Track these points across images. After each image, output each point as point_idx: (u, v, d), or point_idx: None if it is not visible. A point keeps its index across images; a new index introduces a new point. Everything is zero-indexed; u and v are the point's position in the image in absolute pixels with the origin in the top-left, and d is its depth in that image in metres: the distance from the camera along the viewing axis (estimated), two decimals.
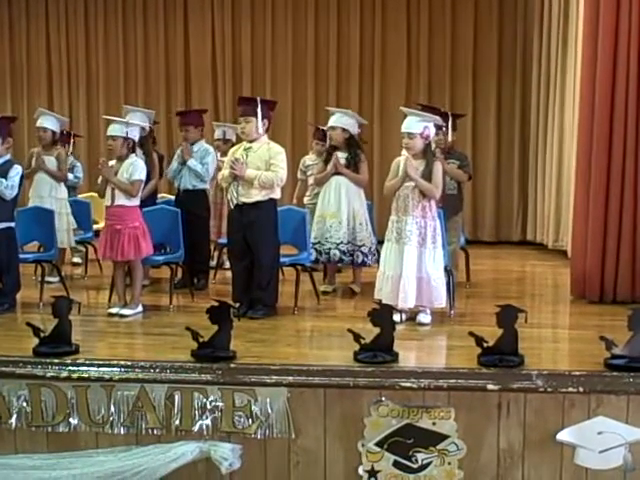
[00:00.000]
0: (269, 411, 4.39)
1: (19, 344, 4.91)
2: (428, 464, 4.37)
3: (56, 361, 4.59)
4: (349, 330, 4.57)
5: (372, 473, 4.41)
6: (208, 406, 4.44)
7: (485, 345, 4.46)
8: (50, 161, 7.18)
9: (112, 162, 5.86)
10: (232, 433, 4.44)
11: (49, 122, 7.26)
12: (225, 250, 6.89)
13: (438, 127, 5.79)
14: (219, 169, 6.60)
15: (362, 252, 6.49)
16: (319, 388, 4.38)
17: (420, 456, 4.37)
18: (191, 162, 6.80)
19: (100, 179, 5.91)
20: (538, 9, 9.32)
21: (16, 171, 5.96)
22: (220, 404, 4.43)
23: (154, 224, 6.12)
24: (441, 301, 5.51)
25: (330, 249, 6.46)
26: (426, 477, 4.38)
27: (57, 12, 10.51)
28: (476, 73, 9.86)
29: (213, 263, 7.32)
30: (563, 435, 4.27)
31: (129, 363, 4.57)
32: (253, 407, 4.40)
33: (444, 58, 9.87)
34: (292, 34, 10.15)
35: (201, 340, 4.58)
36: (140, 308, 5.90)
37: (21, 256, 6.23)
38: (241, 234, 5.77)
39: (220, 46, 10.29)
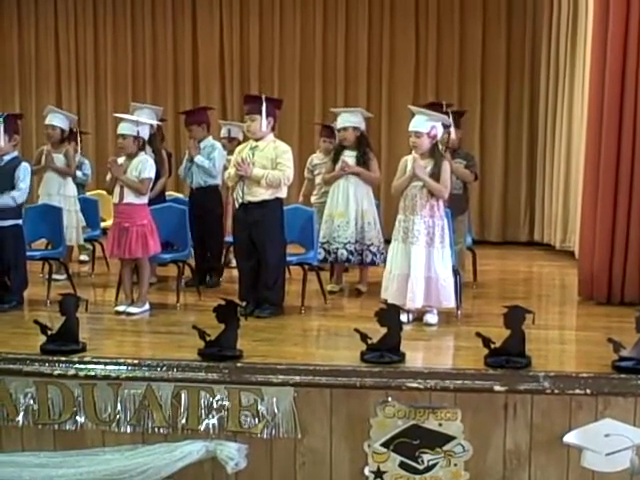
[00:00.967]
0: (275, 411, 4.39)
1: (26, 342, 4.92)
2: (434, 465, 4.36)
3: (63, 359, 4.60)
4: (356, 330, 4.57)
5: (378, 474, 4.40)
6: (214, 405, 4.44)
7: (492, 346, 4.45)
8: (58, 158, 7.20)
9: (121, 159, 5.87)
10: (238, 432, 4.44)
11: (58, 120, 7.29)
12: (231, 249, 6.89)
13: (445, 126, 5.77)
14: (225, 168, 6.62)
15: (371, 251, 6.49)
16: (325, 388, 4.38)
17: (426, 457, 4.36)
18: (198, 158, 6.81)
19: (109, 177, 5.91)
20: (547, 11, 9.30)
21: (26, 172, 5.95)
22: (226, 403, 4.43)
23: (162, 222, 6.13)
24: (450, 301, 5.51)
25: (338, 249, 6.46)
26: (432, 478, 4.38)
27: (66, 10, 10.54)
28: (484, 75, 9.84)
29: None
30: (570, 437, 4.26)
31: (136, 361, 4.57)
32: (259, 406, 4.40)
33: (452, 60, 9.86)
34: (300, 33, 10.15)
35: (208, 339, 4.58)
36: (147, 306, 5.91)
37: (29, 253, 6.24)
38: (247, 233, 5.77)
39: (228, 45, 10.29)
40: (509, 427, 4.31)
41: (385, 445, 4.37)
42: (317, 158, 7.47)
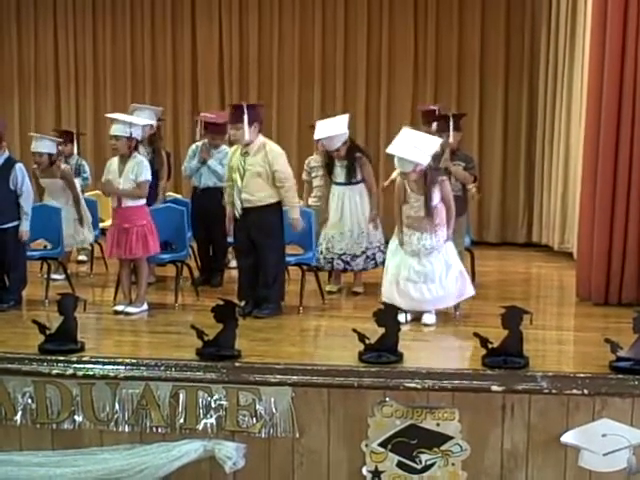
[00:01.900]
0: (273, 410, 4.40)
1: (25, 341, 4.93)
2: (432, 465, 4.37)
3: (61, 358, 4.61)
4: (354, 330, 4.58)
5: (376, 473, 4.41)
6: (212, 405, 4.45)
7: (490, 346, 4.46)
8: (57, 184, 6.97)
9: (114, 159, 5.86)
10: (236, 432, 4.45)
11: (43, 146, 6.91)
12: (231, 249, 6.90)
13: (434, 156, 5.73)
14: None
15: (368, 256, 6.50)
16: (323, 388, 4.39)
17: (424, 457, 4.37)
18: (212, 163, 6.82)
19: (104, 178, 5.92)
20: (546, 12, 9.30)
21: (22, 173, 5.93)
22: (224, 403, 4.44)
23: (160, 222, 6.13)
24: (471, 290, 5.68)
25: (333, 259, 6.49)
26: (430, 478, 4.39)
27: (65, 13, 10.52)
28: (483, 75, 9.84)
29: None
30: (567, 437, 4.27)
31: (134, 361, 4.58)
32: (257, 406, 4.41)
33: (451, 61, 9.86)
34: (299, 36, 10.14)
35: (206, 338, 4.58)
36: (145, 306, 5.91)
37: (27, 253, 6.24)
38: (246, 233, 5.79)
39: (227, 48, 10.28)
40: (507, 427, 4.32)
41: (383, 445, 4.38)
42: (314, 160, 7.45)
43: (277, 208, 5.80)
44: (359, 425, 4.38)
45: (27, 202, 5.95)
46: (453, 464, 4.36)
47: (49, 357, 4.61)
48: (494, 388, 4.28)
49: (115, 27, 10.48)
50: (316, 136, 6.57)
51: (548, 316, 6.16)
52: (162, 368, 4.52)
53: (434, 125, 6.60)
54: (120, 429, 4.53)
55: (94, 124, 10.49)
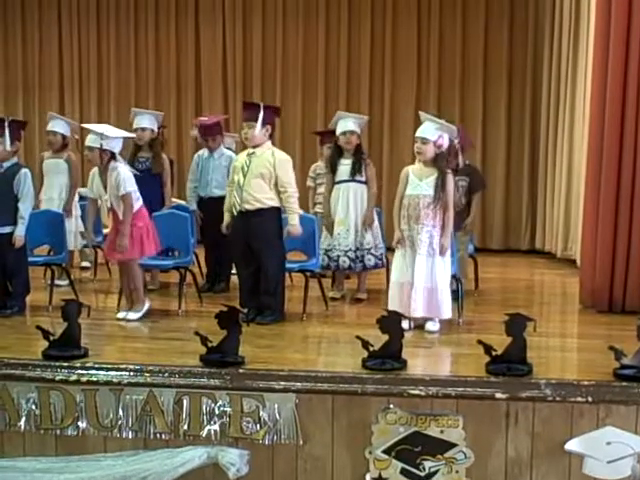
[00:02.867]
0: (277, 417, 4.39)
1: (29, 347, 4.93)
2: (435, 472, 4.36)
3: (65, 364, 4.61)
4: (357, 337, 4.57)
5: None
6: (216, 411, 4.44)
7: (493, 353, 4.45)
8: (59, 164, 7.22)
9: (94, 170, 5.85)
10: (240, 438, 4.45)
11: (59, 126, 7.32)
12: None
13: (451, 141, 5.74)
14: None
15: (373, 254, 6.50)
16: (327, 394, 4.38)
17: (428, 464, 4.36)
18: (212, 175, 6.87)
19: (88, 188, 5.95)
20: (549, 17, 9.32)
21: (26, 179, 5.94)
22: (228, 409, 4.43)
23: (164, 229, 6.13)
24: (448, 313, 5.53)
25: (339, 256, 6.47)
26: None
27: (69, 17, 10.57)
28: (486, 82, 9.87)
29: None
30: (571, 445, 4.26)
31: (138, 367, 4.58)
32: (261, 413, 4.41)
33: (454, 67, 9.88)
34: (303, 41, 10.17)
35: (210, 345, 4.59)
36: (147, 307, 5.88)
37: (31, 259, 6.25)
38: (244, 240, 5.76)
39: (231, 52, 10.32)
40: (510, 434, 4.31)
41: (387, 452, 4.38)
42: (320, 167, 7.47)
43: (276, 214, 5.78)
44: (363, 432, 4.38)
45: (25, 206, 5.93)
46: (457, 471, 4.35)
47: (53, 363, 4.61)
48: (498, 395, 4.28)
49: (119, 33, 10.52)
50: (345, 128, 6.52)
51: (552, 323, 6.15)
52: (166, 374, 4.51)
53: None
54: (124, 435, 4.52)
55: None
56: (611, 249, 6.04)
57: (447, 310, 5.50)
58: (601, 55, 6.04)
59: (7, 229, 5.92)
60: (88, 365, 4.62)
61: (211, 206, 6.80)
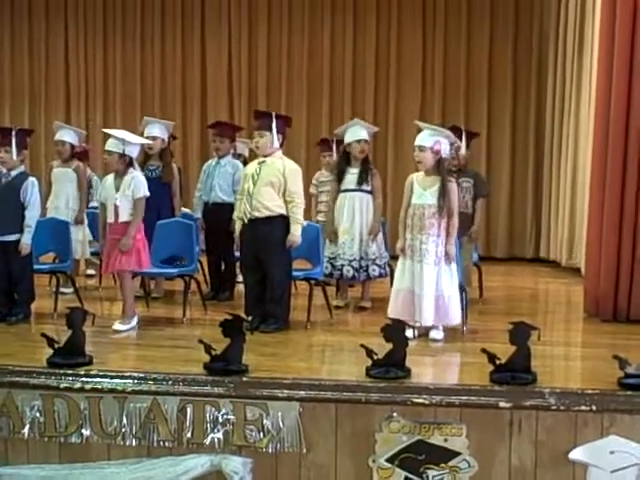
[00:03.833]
0: (280, 425, 4.39)
1: (33, 354, 4.94)
2: None
3: (70, 372, 4.61)
4: (362, 345, 4.57)
5: None
6: (220, 419, 4.44)
7: (497, 362, 4.44)
8: (68, 173, 7.25)
9: (109, 175, 5.88)
10: (243, 447, 4.44)
11: (68, 135, 7.37)
12: (238, 263, 6.91)
13: (451, 144, 5.77)
14: None
15: (377, 264, 6.51)
16: (331, 403, 4.37)
17: (431, 473, 4.35)
18: (218, 180, 6.86)
19: (99, 194, 5.95)
20: (554, 24, 9.34)
21: (33, 187, 5.96)
22: (232, 417, 4.43)
23: (168, 236, 6.16)
24: (457, 319, 5.52)
25: (343, 265, 6.48)
26: None
27: (76, 28, 10.64)
28: (491, 89, 9.90)
29: None
30: (575, 454, 4.25)
31: (142, 375, 4.58)
32: (265, 421, 4.40)
33: (459, 76, 9.92)
34: (308, 51, 10.23)
35: (214, 353, 4.59)
36: (134, 322, 5.83)
37: (36, 267, 6.26)
38: (253, 248, 5.78)
39: (236, 61, 10.37)
40: (514, 443, 4.30)
41: (390, 460, 4.36)
42: (323, 176, 7.48)
43: (285, 222, 5.79)
44: (366, 440, 4.37)
45: (31, 214, 5.96)
46: None
47: (57, 371, 4.61)
48: (502, 404, 4.27)
49: (125, 44, 10.60)
50: (360, 136, 6.53)
51: (556, 332, 6.14)
52: (170, 382, 4.52)
53: None
54: (127, 443, 4.52)
55: (104, 140, 10.49)
56: (615, 258, 6.04)
57: (456, 316, 5.50)
58: (606, 64, 6.06)
59: (13, 237, 5.95)
60: (92, 373, 4.63)
61: (215, 212, 6.84)
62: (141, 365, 4.92)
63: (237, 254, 6.91)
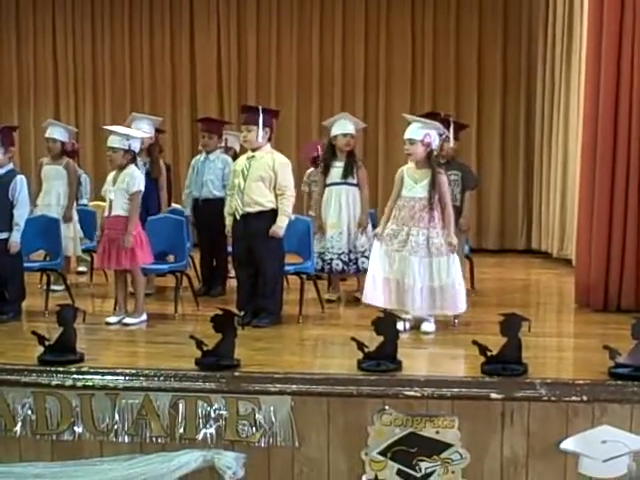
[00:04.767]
0: (273, 419, 4.40)
1: (24, 352, 4.93)
2: (432, 473, 4.36)
3: (61, 369, 4.60)
4: (353, 338, 4.58)
5: None
6: (212, 414, 4.44)
7: (489, 354, 4.46)
8: (58, 171, 7.21)
9: (112, 174, 5.88)
10: (236, 442, 4.44)
11: (58, 133, 7.31)
12: (230, 258, 6.91)
13: (440, 135, 5.77)
14: None
15: (366, 257, 6.49)
16: (323, 397, 4.38)
17: (424, 465, 4.36)
18: (207, 176, 6.85)
19: (105, 188, 5.94)
20: (542, 24, 9.37)
21: (22, 185, 5.93)
22: (224, 412, 4.43)
23: (159, 232, 6.14)
24: (463, 307, 5.54)
25: (332, 259, 6.49)
26: None
27: (64, 23, 10.58)
28: (481, 82, 9.91)
29: None
30: (567, 444, 4.27)
31: (133, 371, 4.58)
32: (257, 415, 4.41)
33: (448, 73, 9.93)
34: (297, 45, 10.21)
35: (205, 348, 4.58)
36: (144, 317, 5.91)
37: (26, 265, 6.24)
38: (245, 243, 5.79)
39: (225, 56, 10.34)
40: (506, 434, 4.32)
41: (382, 453, 4.38)
42: (314, 174, 7.47)
43: (276, 217, 5.78)
44: (359, 434, 4.38)
45: (20, 212, 5.93)
46: (453, 472, 4.35)
47: (49, 368, 4.61)
48: (493, 396, 4.28)
49: (114, 39, 10.55)
50: (347, 130, 6.54)
51: (547, 323, 6.17)
52: (161, 378, 4.51)
53: None
54: (120, 439, 4.52)
55: (93, 136, 10.52)
56: (606, 248, 6.06)
57: (462, 305, 5.52)
58: (594, 59, 6.09)
59: (2, 235, 5.92)
60: (84, 370, 4.62)
61: (206, 208, 6.83)
62: (133, 361, 4.92)
63: (229, 249, 6.93)
